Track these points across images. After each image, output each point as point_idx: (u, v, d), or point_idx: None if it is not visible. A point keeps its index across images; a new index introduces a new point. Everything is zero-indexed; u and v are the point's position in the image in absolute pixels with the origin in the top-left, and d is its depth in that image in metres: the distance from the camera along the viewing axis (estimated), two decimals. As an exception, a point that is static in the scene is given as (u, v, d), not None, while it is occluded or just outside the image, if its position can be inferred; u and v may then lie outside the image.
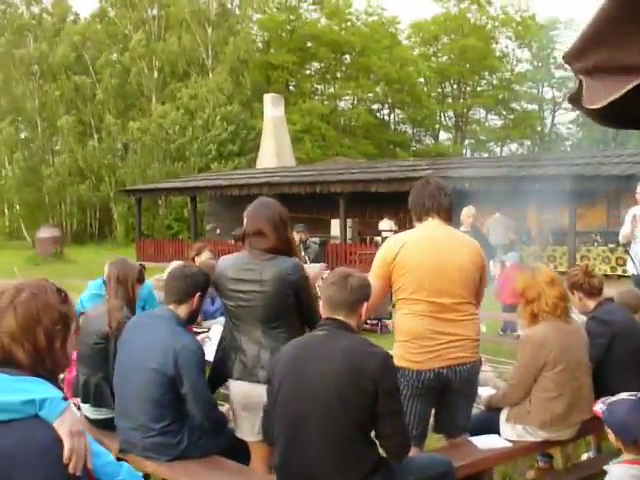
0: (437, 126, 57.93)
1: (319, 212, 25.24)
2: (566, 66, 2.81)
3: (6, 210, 47.99)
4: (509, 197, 18.01)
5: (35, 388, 2.25)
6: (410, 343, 4.21)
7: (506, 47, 56.86)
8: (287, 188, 23.79)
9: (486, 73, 55.09)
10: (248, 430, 4.25)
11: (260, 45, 49.76)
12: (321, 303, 3.59)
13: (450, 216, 4.53)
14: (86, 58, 44.39)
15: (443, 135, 59.81)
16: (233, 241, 25.86)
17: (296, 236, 11.67)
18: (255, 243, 4.19)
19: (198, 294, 4.24)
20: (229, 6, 46.38)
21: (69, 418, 2.25)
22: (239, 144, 38.97)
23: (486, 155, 53.36)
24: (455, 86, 57.06)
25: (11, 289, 2.43)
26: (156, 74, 43.95)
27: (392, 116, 56.74)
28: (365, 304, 3.52)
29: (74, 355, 5.28)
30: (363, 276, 3.66)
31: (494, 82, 55.87)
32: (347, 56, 51.21)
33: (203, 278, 4.30)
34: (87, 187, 43.61)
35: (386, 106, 55.26)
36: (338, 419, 3.27)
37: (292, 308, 4.13)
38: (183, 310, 4.26)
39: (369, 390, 3.25)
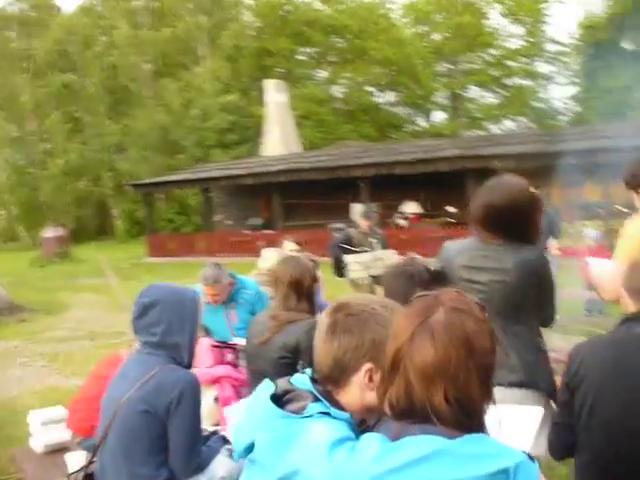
0: (431, 106, 57.23)
1: (337, 197, 24.59)
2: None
3: (1, 212, 47.09)
4: (541, 173, 17.51)
5: (495, 450, 1.56)
6: None
7: (498, 24, 56.23)
8: (305, 174, 23.17)
9: (480, 51, 54.36)
10: None
11: (254, 32, 48.80)
12: (626, 294, 3.03)
13: None
14: (72, 53, 43.44)
15: (438, 115, 59.21)
16: (249, 231, 25.38)
17: (364, 222, 11.07)
18: (490, 227, 3.56)
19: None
20: (221, -8, 45.32)
21: None
22: (240, 132, 38.20)
23: (481, 133, 52.74)
24: (449, 65, 56.38)
25: (417, 304, 1.75)
26: (149, 66, 43.02)
27: (386, 98, 56.06)
28: None
29: (244, 373, 4.64)
30: None
31: (488, 60, 55.19)
32: (342, 39, 50.35)
33: (429, 276, 3.64)
34: (84, 185, 42.81)
35: (381, 88, 54.52)
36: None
37: (534, 301, 3.56)
38: None
39: None
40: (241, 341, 5.00)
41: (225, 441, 3.34)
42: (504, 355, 3.48)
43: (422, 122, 58.34)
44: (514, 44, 55.81)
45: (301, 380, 1.99)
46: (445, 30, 52.85)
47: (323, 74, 53.20)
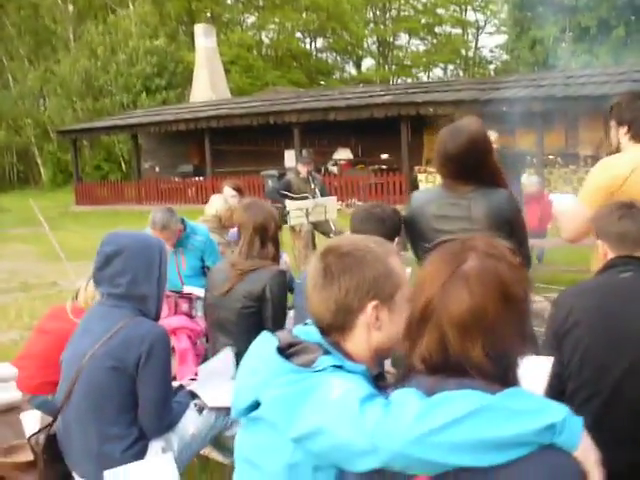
0: (361, 53, 56.91)
1: (269, 143, 24.22)
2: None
3: None
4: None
5: (540, 405, 1.45)
6: None
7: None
8: (238, 120, 22.74)
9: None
10: None
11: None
12: (605, 240, 2.93)
13: None
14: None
15: (367, 62, 58.98)
16: (179, 178, 24.82)
17: (302, 168, 10.88)
18: (453, 174, 3.40)
19: (397, 239, 3.41)
20: None
21: (588, 441, 1.48)
22: (167, 78, 37.22)
23: (410, 80, 52.68)
24: (379, 12, 55.99)
25: (444, 251, 1.62)
26: (71, 7, 41.36)
27: (315, 44, 55.49)
28: None
29: (202, 323, 4.45)
30: None
31: (418, 7, 54.99)
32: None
33: (399, 219, 3.48)
34: (3, 133, 41.13)
35: (311, 35, 53.87)
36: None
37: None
38: None
39: None
40: (195, 290, 4.84)
41: (193, 396, 3.16)
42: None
43: (351, 69, 58.10)
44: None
45: (306, 331, 1.84)
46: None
47: (252, 19, 52.31)
